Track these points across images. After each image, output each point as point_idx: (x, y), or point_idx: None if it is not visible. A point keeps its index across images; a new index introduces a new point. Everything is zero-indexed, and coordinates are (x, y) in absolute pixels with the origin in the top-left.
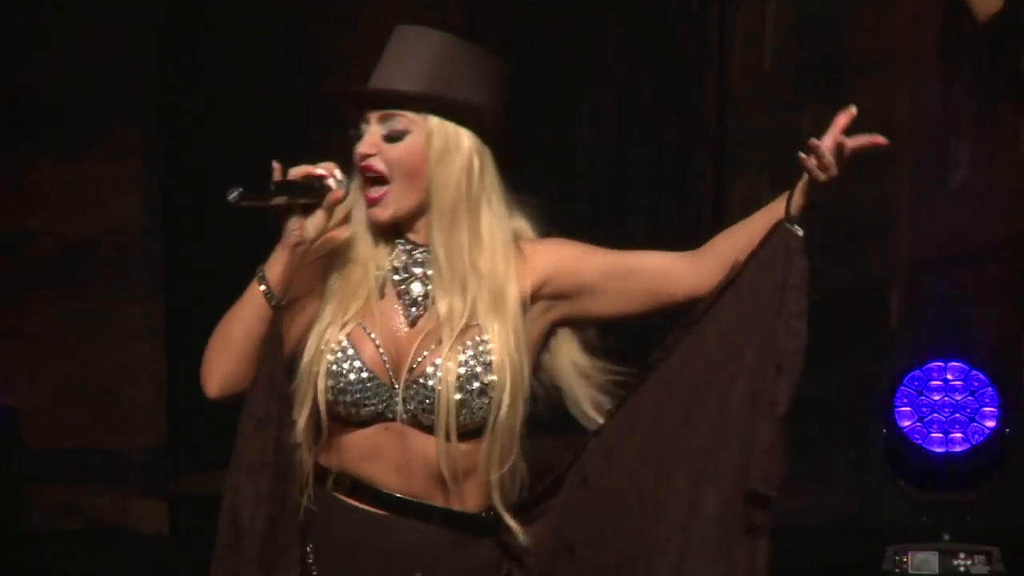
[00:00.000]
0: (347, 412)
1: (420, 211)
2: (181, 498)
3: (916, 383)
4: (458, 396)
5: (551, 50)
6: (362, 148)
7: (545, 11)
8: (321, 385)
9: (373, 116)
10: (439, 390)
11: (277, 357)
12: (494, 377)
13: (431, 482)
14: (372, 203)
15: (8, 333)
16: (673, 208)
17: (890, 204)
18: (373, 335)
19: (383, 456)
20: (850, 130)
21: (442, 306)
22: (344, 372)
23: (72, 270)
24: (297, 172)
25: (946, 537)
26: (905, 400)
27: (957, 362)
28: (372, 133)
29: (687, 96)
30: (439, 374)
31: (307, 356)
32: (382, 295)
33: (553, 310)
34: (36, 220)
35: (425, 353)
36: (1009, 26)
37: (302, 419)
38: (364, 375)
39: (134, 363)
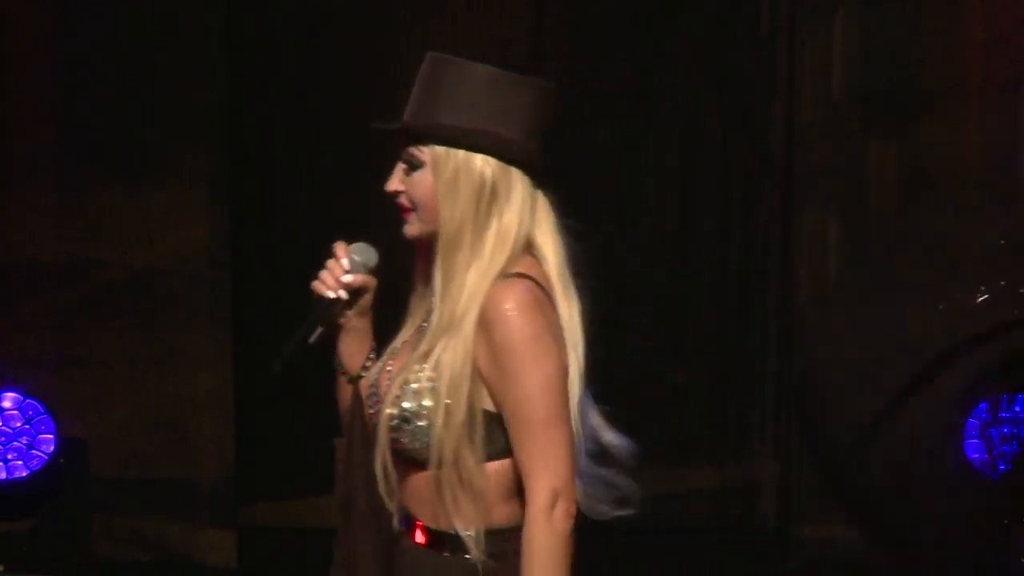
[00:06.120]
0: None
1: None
2: (249, 528)
3: (985, 415)
4: (396, 432)
5: (618, 80)
6: (388, 185)
7: (611, 42)
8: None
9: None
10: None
11: (364, 423)
12: (429, 403)
13: (413, 502)
14: (405, 219)
15: (76, 362)
16: (741, 238)
17: (959, 234)
18: (392, 361)
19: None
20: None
21: (433, 324)
22: (372, 399)
23: (140, 300)
24: (321, 290)
25: None
26: (975, 432)
27: None
28: (396, 168)
29: (754, 126)
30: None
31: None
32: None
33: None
34: (104, 249)
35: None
36: None
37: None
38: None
39: (202, 393)
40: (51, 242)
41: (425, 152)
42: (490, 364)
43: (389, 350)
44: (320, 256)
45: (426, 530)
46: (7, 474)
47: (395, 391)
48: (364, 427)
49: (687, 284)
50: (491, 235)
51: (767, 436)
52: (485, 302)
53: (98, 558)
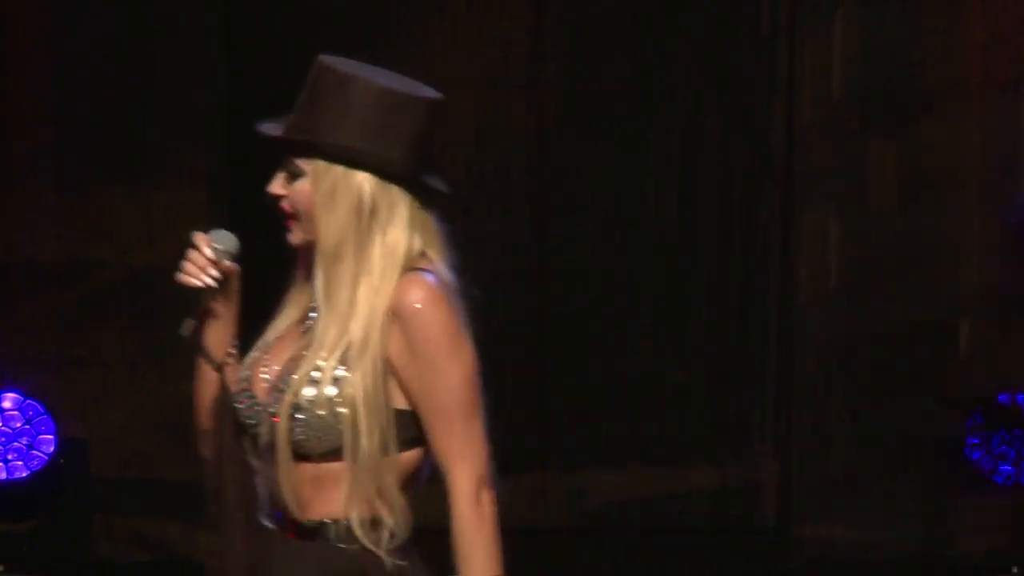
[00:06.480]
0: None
1: None
2: None
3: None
4: (291, 422)
5: (618, 80)
6: (270, 188)
7: (611, 42)
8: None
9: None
10: (279, 411)
11: (227, 414)
12: (323, 413)
13: (287, 493)
14: (287, 229)
15: (77, 362)
16: (741, 238)
17: (959, 234)
18: (267, 358)
19: (263, 475)
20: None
21: (318, 335)
22: (240, 395)
23: (140, 300)
24: (188, 281)
25: (1015, 570)
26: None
27: None
28: (280, 174)
29: (754, 126)
30: (283, 397)
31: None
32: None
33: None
34: (104, 249)
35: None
36: None
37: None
38: (253, 400)
39: None
40: (51, 242)
41: (306, 163)
42: (405, 356)
43: (261, 343)
44: None
45: (298, 522)
46: (7, 474)
47: (293, 385)
48: (234, 418)
49: (687, 284)
50: (377, 251)
51: (767, 436)
52: (394, 296)
53: (98, 558)
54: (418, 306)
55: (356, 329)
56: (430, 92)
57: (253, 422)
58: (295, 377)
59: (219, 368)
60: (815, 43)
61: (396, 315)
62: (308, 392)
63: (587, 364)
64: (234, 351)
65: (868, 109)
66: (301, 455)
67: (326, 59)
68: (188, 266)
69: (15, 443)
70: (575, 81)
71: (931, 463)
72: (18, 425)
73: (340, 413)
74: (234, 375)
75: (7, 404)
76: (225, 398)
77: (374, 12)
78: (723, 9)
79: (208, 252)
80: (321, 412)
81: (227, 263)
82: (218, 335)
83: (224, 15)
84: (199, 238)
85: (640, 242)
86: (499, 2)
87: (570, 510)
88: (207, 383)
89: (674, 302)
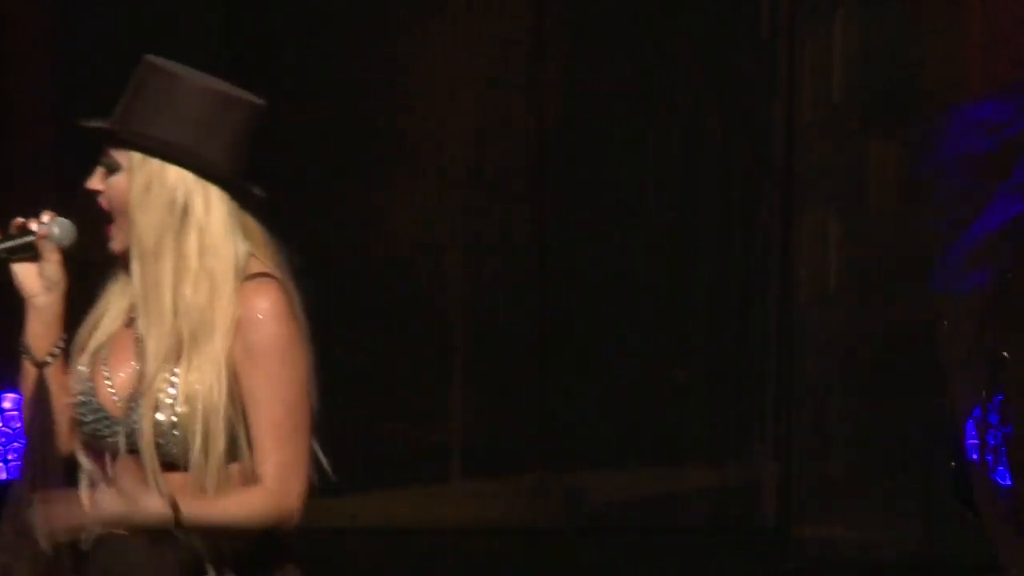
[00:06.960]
0: (91, 443)
1: None
2: None
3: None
4: (153, 430)
5: (618, 80)
6: (88, 183)
7: (611, 42)
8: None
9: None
10: (140, 424)
11: (46, 413)
12: (184, 410)
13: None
14: (108, 237)
15: None
16: (741, 238)
17: (959, 234)
18: (107, 370)
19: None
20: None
21: (147, 339)
22: (84, 408)
23: None
24: (13, 226)
25: (1015, 571)
26: (974, 433)
27: None
28: (98, 169)
29: (754, 126)
30: (140, 409)
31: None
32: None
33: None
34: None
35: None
36: None
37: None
38: (101, 413)
39: None
40: None
41: (124, 157)
42: (244, 364)
43: (92, 349)
44: (318, 257)
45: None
46: (7, 474)
47: (154, 396)
48: (47, 418)
49: (687, 284)
50: (193, 248)
51: (767, 436)
52: (242, 303)
53: None
54: (260, 317)
55: (184, 328)
56: (252, 96)
57: (104, 435)
58: (151, 399)
59: (40, 365)
60: (815, 43)
61: (239, 323)
62: (179, 409)
63: (587, 364)
64: (58, 351)
65: (868, 109)
66: (166, 464)
67: (151, 58)
68: (16, 219)
69: (15, 443)
70: (575, 81)
71: (931, 463)
72: (18, 425)
73: (196, 420)
74: (59, 376)
75: (7, 404)
76: (42, 397)
77: (374, 12)
78: (723, 9)
79: (45, 218)
80: (189, 427)
81: (45, 232)
82: (40, 328)
83: (224, 15)
84: (46, 211)
85: (640, 242)
86: (499, 2)
87: (570, 510)
88: (28, 380)
89: (674, 302)
